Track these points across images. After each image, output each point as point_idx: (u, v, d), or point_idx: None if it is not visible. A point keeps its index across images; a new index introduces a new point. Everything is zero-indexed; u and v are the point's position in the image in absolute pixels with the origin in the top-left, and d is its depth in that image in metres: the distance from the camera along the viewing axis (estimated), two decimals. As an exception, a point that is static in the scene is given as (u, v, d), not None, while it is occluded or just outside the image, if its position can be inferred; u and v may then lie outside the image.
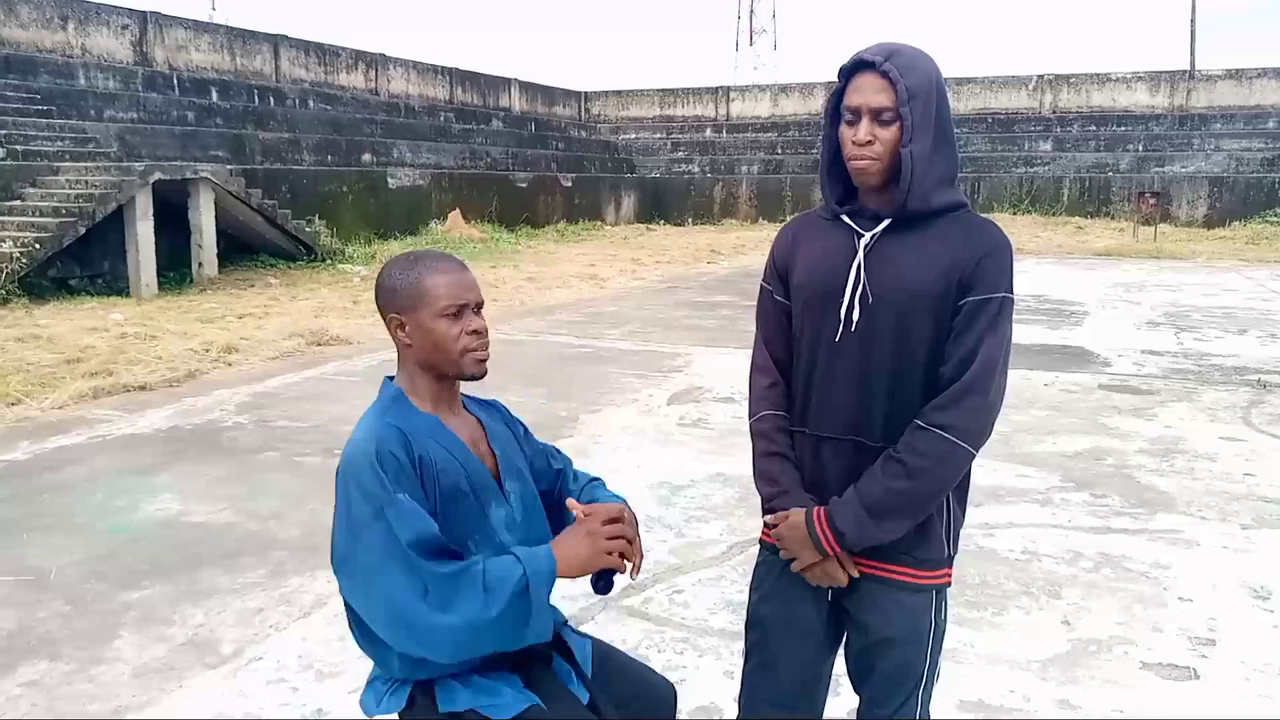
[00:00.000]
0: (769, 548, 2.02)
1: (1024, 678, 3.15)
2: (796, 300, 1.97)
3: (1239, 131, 26.75)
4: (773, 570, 2.02)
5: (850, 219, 1.90)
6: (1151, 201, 21.99)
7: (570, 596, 3.76)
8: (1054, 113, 29.45)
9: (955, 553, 1.95)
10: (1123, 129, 28.06)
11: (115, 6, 18.49)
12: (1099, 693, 3.06)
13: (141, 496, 4.90)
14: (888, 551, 1.87)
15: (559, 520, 1.99)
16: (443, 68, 27.44)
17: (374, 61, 24.83)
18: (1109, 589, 3.82)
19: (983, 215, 1.92)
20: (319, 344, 9.06)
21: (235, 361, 8.26)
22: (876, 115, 1.80)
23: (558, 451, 2.14)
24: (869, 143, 1.81)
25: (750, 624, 2.09)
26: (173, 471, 5.32)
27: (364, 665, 2.91)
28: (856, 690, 2.05)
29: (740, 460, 5.43)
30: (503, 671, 1.81)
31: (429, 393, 1.86)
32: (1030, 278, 15.11)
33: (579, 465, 2.18)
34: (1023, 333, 9.56)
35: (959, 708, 2.97)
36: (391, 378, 1.90)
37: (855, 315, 1.86)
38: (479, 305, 1.86)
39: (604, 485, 2.12)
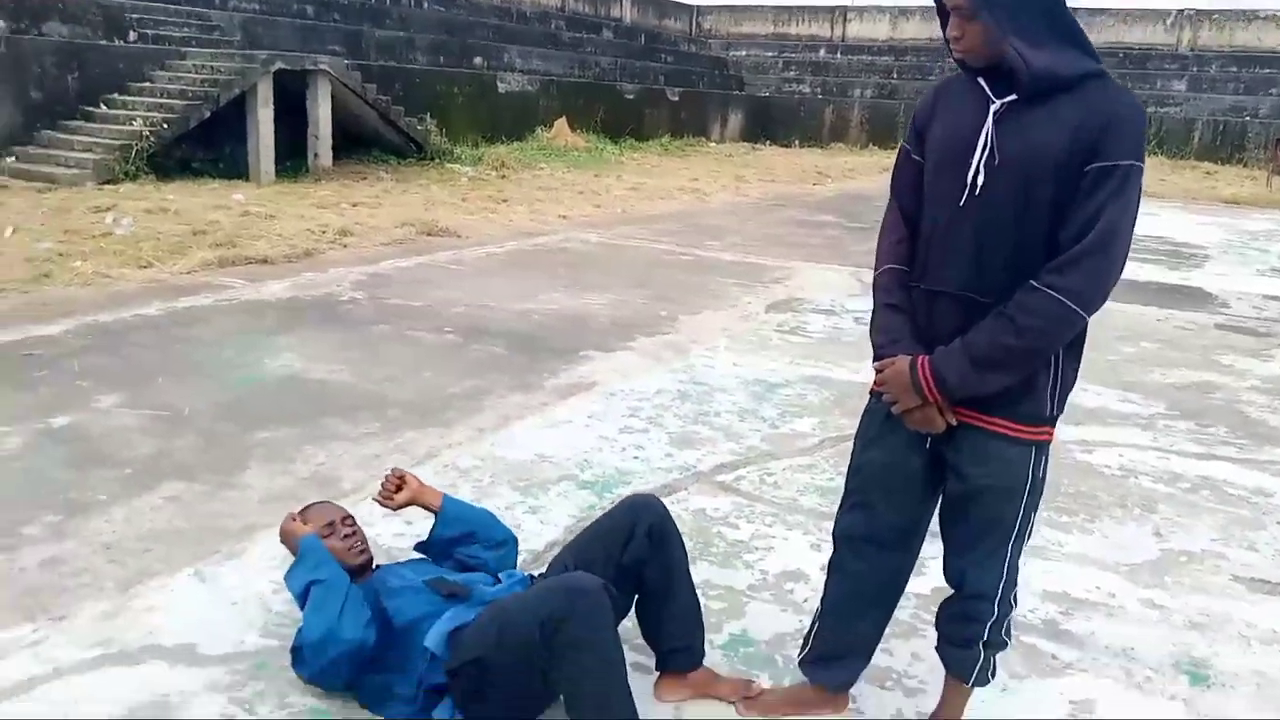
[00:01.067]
0: (877, 395, 2.09)
1: (1111, 578, 3.18)
2: (929, 160, 2.01)
3: (1398, 81, 24.88)
4: (878, 417, 2.10)
5: (987, 83, 1.92)
6: (1290, 150, 20.71)
7: (664, 469, 3.91)
8: (1192, 50, 27.77)
9: (1059, 413, 2.00)
10: (1267, 71, 26.30)
11: (244, -104, 18.72)
12: (1186, 597, 3.08)
13: (265, 354, 5.20)
14: (990, 403, 1.93)
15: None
16: (557, -26, 27.15)
17: (490, -36, 24.70)
18: (1206, 509, 3.80)
19: (1119, 84, 1.91)
20: (429, 234, 9.30)
21: (350, 244, 8.56)
22: (959, 11, 1.86)
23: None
24: (958, 38, 1.88)
25: (852, 468, 2.19)
26: (294, 335, 5.61)
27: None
28: (945, 538, 2.13)
29: (837, 367, 5.48)
30: None
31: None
32: (1151, 221, 14.50)
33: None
34: (1139, 272, 9.26)
35: (1043, 598, 3.03)
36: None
37: (980, 179, 1.89)
38: (345, 518, 2.55)
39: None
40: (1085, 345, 2.00)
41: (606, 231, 10.39)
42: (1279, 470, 4.25)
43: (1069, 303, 1.82)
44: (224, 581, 2.87)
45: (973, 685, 2.21)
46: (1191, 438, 4.65)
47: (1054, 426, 2.00)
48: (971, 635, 2.13)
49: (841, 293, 7.69)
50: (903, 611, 2.84)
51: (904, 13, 31.41)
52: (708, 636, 2.56)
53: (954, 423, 1.96)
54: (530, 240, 9.56)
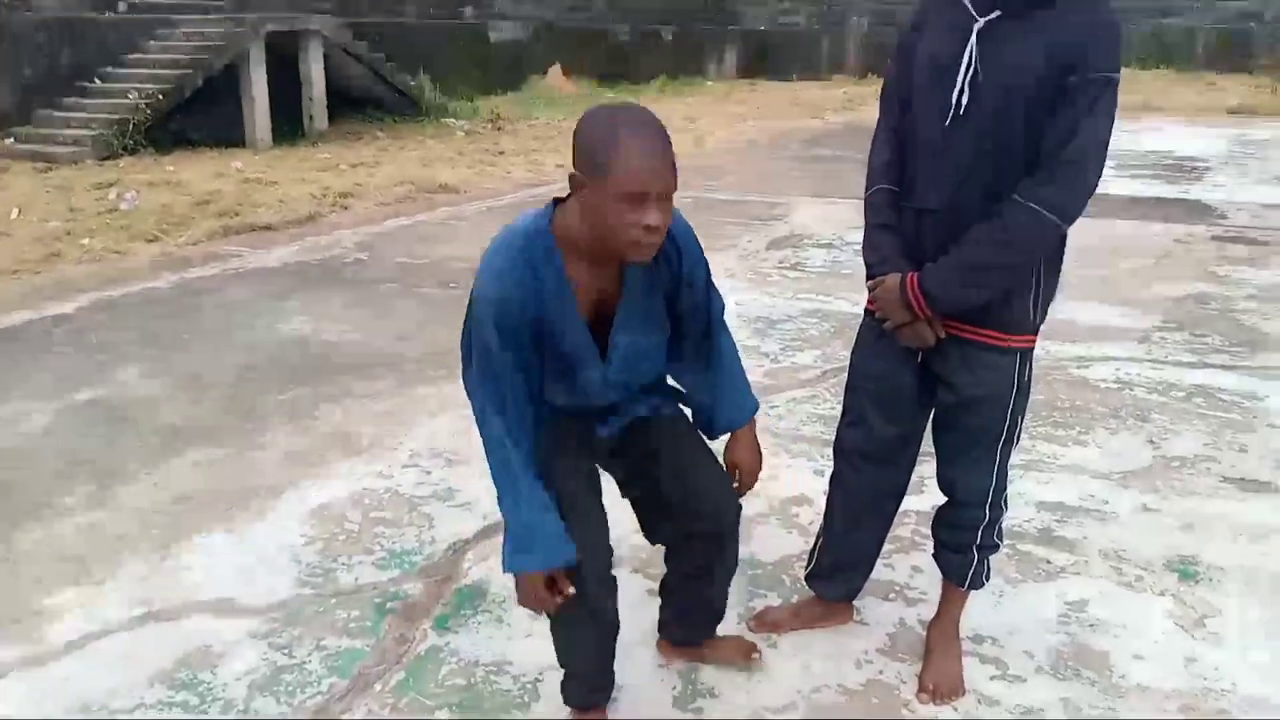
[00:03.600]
0: (871, 313, 2.19)
1: (1104, 485, 3.30)
2: (916, 79, 2.05)
3: (1405, -25, 24.34)
4: (871, 334, 2.22)
5: (970, 1, 1.95)
6: (1296, 54, 20.41)
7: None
8: (1194, -43, 27.19)
9: (1043, 320, 2.10)
10: (1271, -26, 25.79)
11: None
12: (1177, 500, 3.20)
13: (277, 318, 5.31)
14: (976, 315, 2.02)
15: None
16: (542, -83, 26.70)
17: (473, -89, 24.33)
18: (1199, 415, 3.90)
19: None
20: (428, 191, 9.35)
21: (351, 205, 8.63)
22: None
23: (716, 320, 2.11)
24: None
25: (848, 385, 2.32)
26: (303, 298, 5.72)
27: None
28: (937, 447, 2.25)
29: (838, 299, 5.56)
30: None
31: (584, 248, 1.79)
32: (1154, 135, 14.38)
33: None
34: (1139, 187, 9.26)
35: (1038, 507, 3.15)
36: (558, 200, 1.84)
37: (965, 98, 1.94)
38: (666, 194, 1.69)
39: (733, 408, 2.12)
40: (1065, 258, 2.08)
41: (606, 178, 10.40)
42: (1270, 374, 4.35)
43: (1048, 213, 1.89)
44: (255, 538, 3.01)
45: (968, 588, 2.33)
46: (1186, 348, 4.74)
47: (1037, 334, 2.11)
48: (965, 540, 2.26)
49: (842, 225, 7.73)
50: (903, 528, 2.98)
51: (897, -65, 30.78)
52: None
53: (943, 336, 2.05)
54: (529, 192, 9.59)
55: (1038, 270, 2.02)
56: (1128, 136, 14.13)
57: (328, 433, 3.80)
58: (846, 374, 2.34)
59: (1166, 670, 2.37)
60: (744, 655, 2.40)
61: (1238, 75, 22.61)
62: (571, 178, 1.74)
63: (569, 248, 1.81)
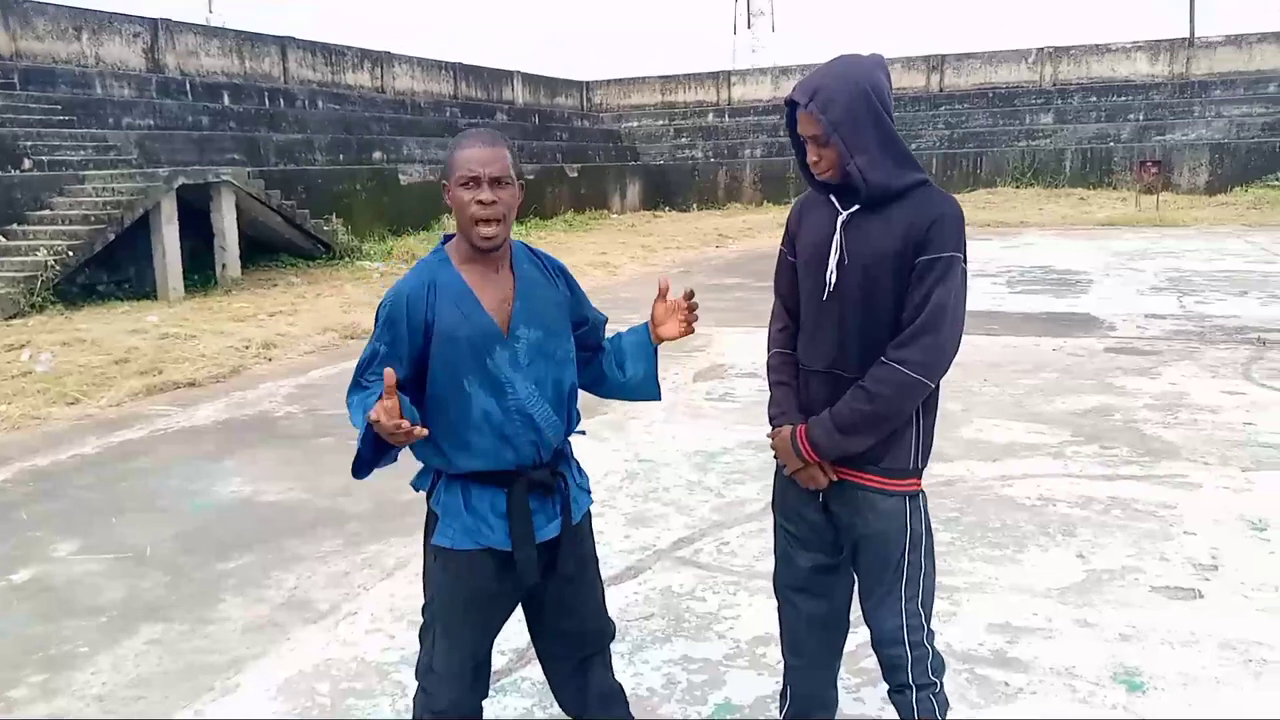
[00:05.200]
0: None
1: (1045, 603, 3.49)
2: (799, 261, 2.41)
3: (1239, 97, 26.90)
4: (781, 479, 2.46)
5: (835, 197, 2.31)
6: (1153, 170, 22.23)
7: (626, 550, 4.11)
8: (1054, 85, 29.62)
9: (924, 465, 2.34)
10: (1123, 99, 28.23)
11: (126, 15, 18.81)
12: (1113, 613, 3.41)
13: (213, 480, 5.26)
14: (861, 461, 2.27)
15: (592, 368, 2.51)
16: (446, 63, 27.69)
17: (379, 60, 25.12)
18: (1119, 527, 4.17)
19: (941, 189, 2.33)
20: (352, 337, 9.40)
21: (275, 356, 8.62)
22: (815, 140, 2.24)
23: (601, 324, 2.54)
24: (817, 161, 2.27)
25: (774, 524, 2.54)
26: (237, 457, 5.67)
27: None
28: (858, 590, 2.44)
29: (768, 429, 5.77)
30: (492, 488, 2.18)
31: (465, 252, 2.16)
32: (1035, 250, 15.39)
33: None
34: (1031, 302, 9.87)
35: (988, 629, 3.31)
36: (450, 236, 2.23)
37: (835, 277, 2.28)
38: (494, 180, 2.06)
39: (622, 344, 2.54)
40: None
41: (527, 315, 10.60)
42: (1178, 483, 4.67)
43: (912, 373, 2.18)
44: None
45: (924, 724, 2.45)
46: (1098, 460, 5.06)
47: (920, 478, 2.34)
48: (900, 680, 2.40)
49: (760, 354, 8.01)
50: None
51: (785, 72, 32.77)
52: (695, 709, 2.77)
53: (834, 478, 2.30)
54: (454, 332, 9.72)
55: (917, 419, 2.29)
56: (1011, 252, 15.09)
57: (283, 601, 3.76)
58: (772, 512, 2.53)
59: (1128, 784, 2.51)
60: None
61: (1103, 190, 24.44)
62: (443, 188, 2.17)
63: (459, 260, 2.17)
